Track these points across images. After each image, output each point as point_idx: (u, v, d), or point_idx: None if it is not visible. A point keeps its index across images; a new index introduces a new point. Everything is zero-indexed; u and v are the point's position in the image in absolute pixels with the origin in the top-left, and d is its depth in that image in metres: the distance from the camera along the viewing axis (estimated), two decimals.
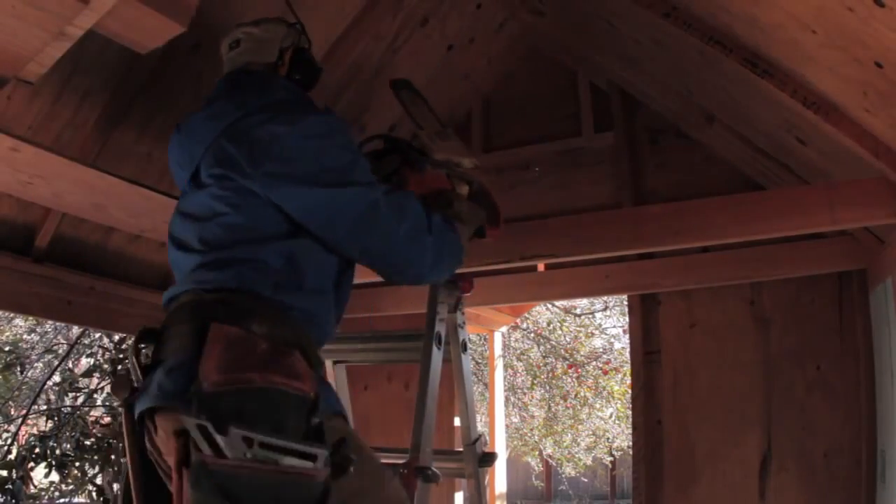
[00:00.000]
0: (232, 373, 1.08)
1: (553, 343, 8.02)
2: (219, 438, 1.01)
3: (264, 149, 1.32)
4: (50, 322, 4.94)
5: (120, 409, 1.24)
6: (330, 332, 1.39)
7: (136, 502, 1.18)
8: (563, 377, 8.00)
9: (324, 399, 1.20)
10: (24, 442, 3.14)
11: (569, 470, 8.56)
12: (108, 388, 3.21)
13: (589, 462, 8.58)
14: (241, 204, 1.31)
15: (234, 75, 1.54)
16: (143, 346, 1.23)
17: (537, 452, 8.68)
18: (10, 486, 2.77)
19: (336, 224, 1.34)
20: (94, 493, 2.90)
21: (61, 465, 2.91)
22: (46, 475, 2.96)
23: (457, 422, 3.04)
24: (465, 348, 1.88)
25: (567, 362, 7.93)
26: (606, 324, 8.73)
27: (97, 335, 3.71)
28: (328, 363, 2.14)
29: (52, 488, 3.03)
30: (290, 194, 1.31)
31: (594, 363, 8.01)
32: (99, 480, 2.92)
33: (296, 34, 1.65)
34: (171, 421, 1.10)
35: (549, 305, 7.64)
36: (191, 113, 1.50)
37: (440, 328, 1.76)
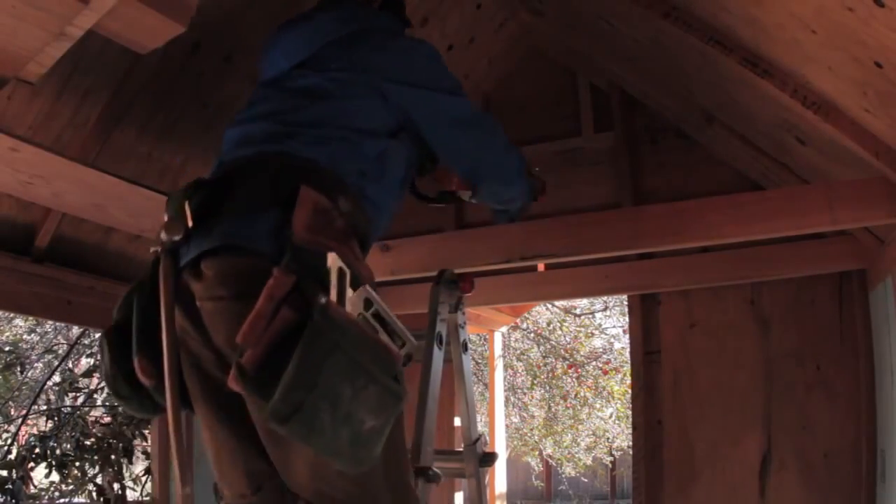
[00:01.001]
0: (318, 235, 1.12)
1: (553, 343, 8.02)
2: (350, 291, 1.06)
3: (395, 58, 1.47)
4: (50, 322, 4.93)
5: (158, 257, 1.21)
6: (377, 234, 1.45)
7: (168, 348, 1.15)
8: (563, 377, 8.00)
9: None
10: (24, 442, 3.14)
11: (569, 470, 8.55)
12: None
13: (589, 462, 8.57)
14: (358, 95, 1.41)
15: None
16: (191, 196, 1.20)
17: (537, 452, 8.68)
18: (10, 486, 2.77)
19: (455, 129, 1.52)
20: (94, 493, 2.89)
21: (61, 465, 2.91)
22: (46, 475, 2.96)
23: (457, 422, 3.04)
24: (465, 348, 1.88)
25: (567, 362, 7.92)
26: (606, 324, 8.72)
27: (97, 335, 3.71)
28: None
29: (52, 488, 3.03)
30: (420, 98, 1.46)
31: (594, 363, 8.00)
32: (99, 480, 2.91)
33: None
34: (237, 262, 1.13)
35: (549, 305, 7.64)
36: (311, 9, 1.59)
37: (441, 328, 1.76)
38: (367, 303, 1.08)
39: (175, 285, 1.18)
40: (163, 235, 1.18)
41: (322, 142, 1.31)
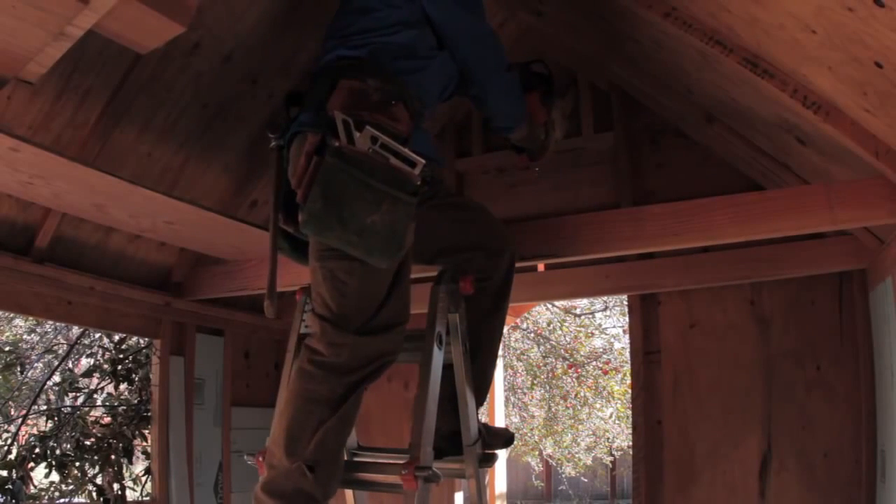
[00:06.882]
0: (349, 109, 1.48)
1: (553, 343, 8.03)
2: (356, 133, 1.43)
3: None
4: (50, 322, 4.93)
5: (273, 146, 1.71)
6: (430, 98, 1.76)
7: (275, 203, 1.66)
8: (563, 377, 8.01)
9: (414, 140, 1.57)
10: (24, 442, 3.13)
11: (569, 470, 8.56)
12: (108, 388, 3.21)
13: (589, 462, 8.58)
14: (395, 4, 1.71)
15: None
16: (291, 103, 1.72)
17: (537, 452, 8.68)
18: (10, 486, 2.77)
19: (475, 43, 1.83)
20: (94, 493, 2.89)
21: (61, 465, 2.90)
22: (46, 475, 2.96)
23: None
24: (466, 349, 1.88)
25: (567, 362, 7.93)
26: (606, 324, 8.71)
27: (97, 335, 3.71)
28: None
29: (52, 488, 3.03)
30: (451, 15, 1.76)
31: (594, 363, 8.01)
32: (99, 480, 2.91)
33: None
34: (305, 139, 1.53)
35: (549, 305, 7.64)
36: None
37: (441, 328, 1.75)
38: (374, 139, 1.43)
39: (281, 162, 1.69)
40: (271, 135, 1.69)
41: (365, 44, 1.67)
